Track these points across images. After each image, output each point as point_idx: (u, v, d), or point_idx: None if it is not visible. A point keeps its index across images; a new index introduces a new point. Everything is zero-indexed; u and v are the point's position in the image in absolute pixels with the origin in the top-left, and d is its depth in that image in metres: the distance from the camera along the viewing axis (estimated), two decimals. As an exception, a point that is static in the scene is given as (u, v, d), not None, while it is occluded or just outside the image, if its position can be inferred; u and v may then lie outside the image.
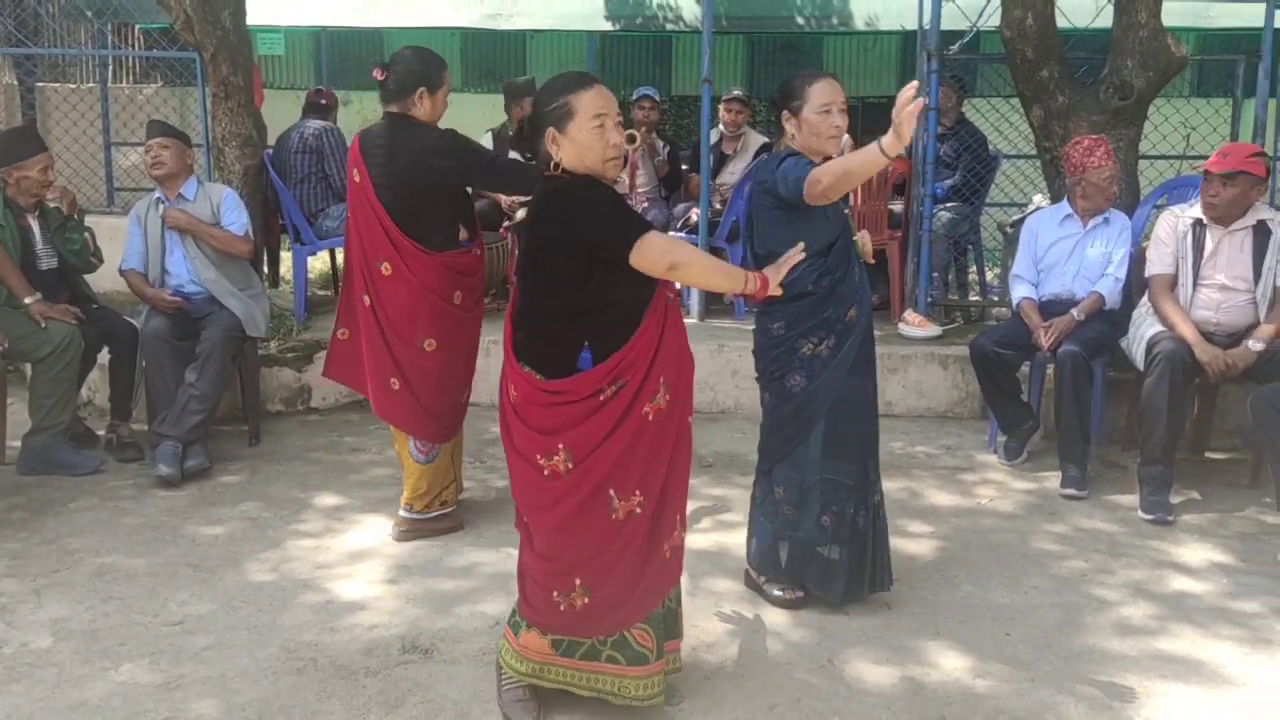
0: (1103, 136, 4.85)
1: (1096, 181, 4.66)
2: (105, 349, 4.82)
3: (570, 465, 2.53)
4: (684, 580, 3.46)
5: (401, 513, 3.86)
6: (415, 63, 3.71)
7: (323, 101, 6.58)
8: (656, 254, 2.48)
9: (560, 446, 2.52)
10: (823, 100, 3.14)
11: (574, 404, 2.52)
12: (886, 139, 2.78)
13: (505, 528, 3.73)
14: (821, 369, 3.20)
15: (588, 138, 2.52)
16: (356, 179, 3.70)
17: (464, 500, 4.12)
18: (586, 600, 2.59)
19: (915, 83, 2.76)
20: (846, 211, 3.29)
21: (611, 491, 2.54)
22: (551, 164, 2.58)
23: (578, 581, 2.58)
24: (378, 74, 3.69)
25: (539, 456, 2.55)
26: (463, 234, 3.81)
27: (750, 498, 3.47)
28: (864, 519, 3.28)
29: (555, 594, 2.61)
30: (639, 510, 2.56)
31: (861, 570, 3.30)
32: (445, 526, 3.88)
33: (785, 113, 3.20)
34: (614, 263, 2.48)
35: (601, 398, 2.51)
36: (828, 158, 3.16)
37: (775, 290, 2.76)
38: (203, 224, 4.73)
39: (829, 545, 3.26)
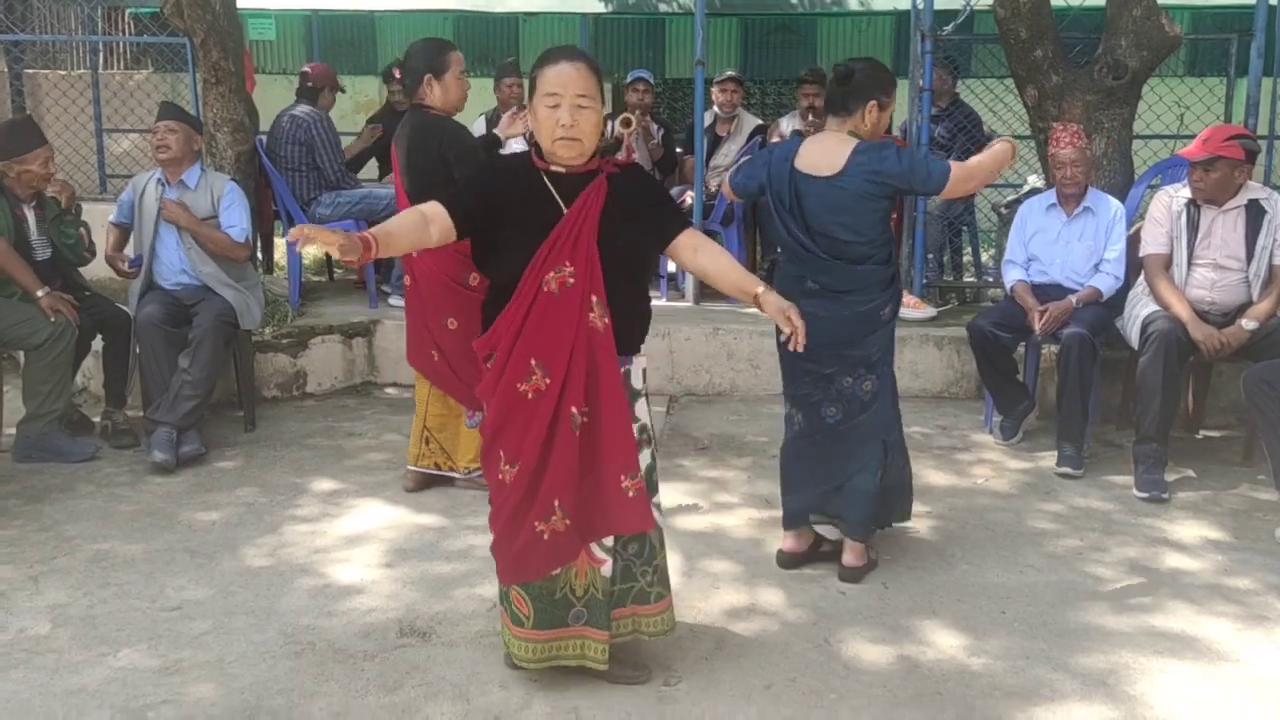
0: (1071, 123, 4.85)
1: (1065, 160, 4.67)
2: (99, 336, 4.81)
3: (485, 411, 2.73)
4: (680, 562, 3.52)
5: (460, 476, 4.16)
6: (419, 54, 4.02)
7: (309, 84, 6.46)
8: None
9: (480, 392, 2.74)
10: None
11: (480, 363, 2.73)
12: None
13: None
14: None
15: (542, 114, 2.60)
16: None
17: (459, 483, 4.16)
18: (499, 552, 2.75)
19: None
20: None
21: (500, 451, 2.67)
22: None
23: (494, 532, 2.77)
24: (396, 74, 3.85)
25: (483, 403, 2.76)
26: None
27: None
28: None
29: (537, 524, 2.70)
30: (509, 479, 2.66)
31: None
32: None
33: (873, 102, 3.33)
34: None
35: (487, 364, 2.69)
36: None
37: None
38: (201, 226, 4.70)
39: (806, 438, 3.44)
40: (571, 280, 2.59)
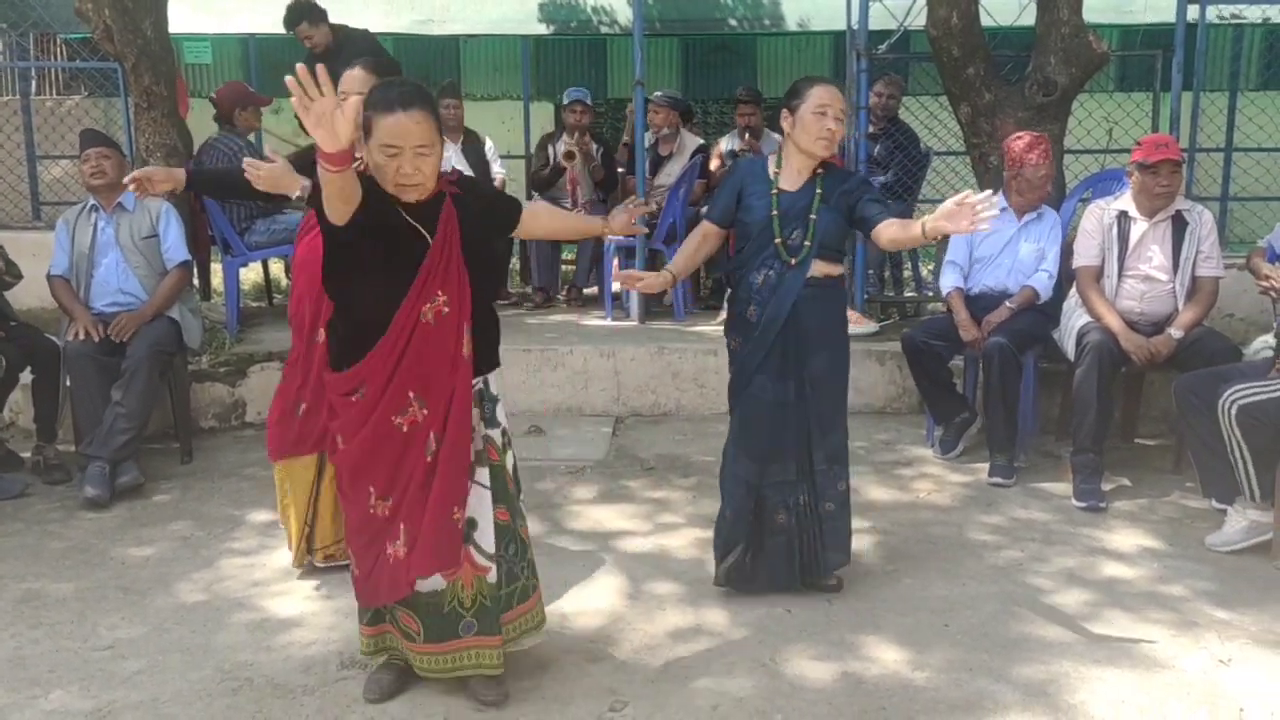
0: (1043, 135, 4.93)
1: (1031, 178, 4.75)
2: (28, 369, 4.69)
3: (340, 445, 2.72)
4: (625, 584, 3.51)
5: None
6: None
7: (218, 110, 6.20)
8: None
9: (337, 427, 2.73)
10: (820, 102, 3.23)
11: (337, 396, 2.70)
12: (930, 223, 2.97)
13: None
14: (735, 363, 3.42)
15: (378, 158, 2.55)
16: None
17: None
18: (356, 572, 2.78)
19: (988, 193, 2.89)
20: (774, 213, 3.31)
21: (371, 486, 2.67)
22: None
23: (351, 552, 2.80)
24: None
25: (337, 435, 2.74)
26: None
27: None
28: (785, 516, 3.36)
29: (388, 546, 2.72)
30: (386, 512, 2.68)
31: (786, 560, 3.40)
32: None
33: (785, 110, 3.32)
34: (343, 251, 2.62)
35: (354, 398, 2.66)
36: (819, 159, 3.31)
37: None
38: (148, 307, 4.64)
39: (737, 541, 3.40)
40: (445, 309, 2.63)
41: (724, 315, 3.71)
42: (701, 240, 3.48)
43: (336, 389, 2.69)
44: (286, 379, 3.58)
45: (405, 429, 2.64)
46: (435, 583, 2.71)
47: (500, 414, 2.84)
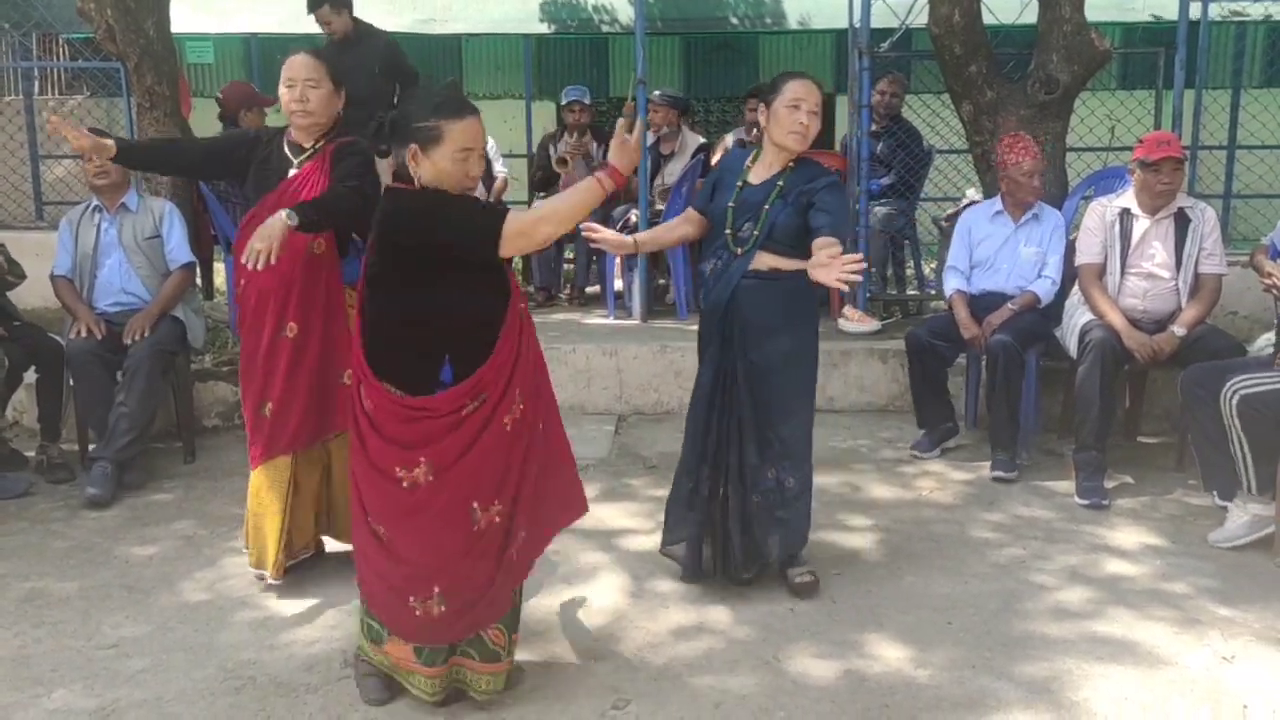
0: (1021, 133, 4.94)
1: (1016, 176, 4.76)
2: (32, 368, 4.69)
3: (431, 477, 2.55)
4: (628, 582, 3.51)
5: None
6: None
7: (222, 110, 6.23)
8: (525, 220, 2.55)
9: (421, 460, 2.54)
10: (793, 96, 3.25)
11: (436, 419, 2.53)
12: (809, 268, 2.95)
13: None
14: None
15: (450, 168, 2.56)
16: None
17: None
18: (443, 609, 2.61)
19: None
20: (731, 205, 3.34)
21: (475, 504, 2.57)
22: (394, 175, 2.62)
23: (436, 590, 2.60)
24: None
25: (398, 469, 2.56)
26: None
27: None
28: (709, 503, 3.41)
29: (411, 599, 2.62)
30: (498, 519, 2.61)
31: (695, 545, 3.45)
32: None
33: (761, 104, 3.34)
34: (481, 260, 2.55)
35: (464, 413, 2.54)
36: (793, 153, 3.30)
37: (625, 170, 2.78)
38: (153, 307, 4.63)
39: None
40: (523, 304, 2.75)
41: None
42: (680, 222, 3.58)
43: (444, 408, 2.53)
44: (243, 377, 3.48)
45: (509, 428, 2.59)
46: None
47: None
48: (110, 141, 3.45)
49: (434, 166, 2.56)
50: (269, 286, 3.34)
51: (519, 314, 2.65)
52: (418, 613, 2.62)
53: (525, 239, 2.56)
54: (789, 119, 3.23)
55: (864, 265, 2.88)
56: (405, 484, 2.55)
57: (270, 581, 3.45)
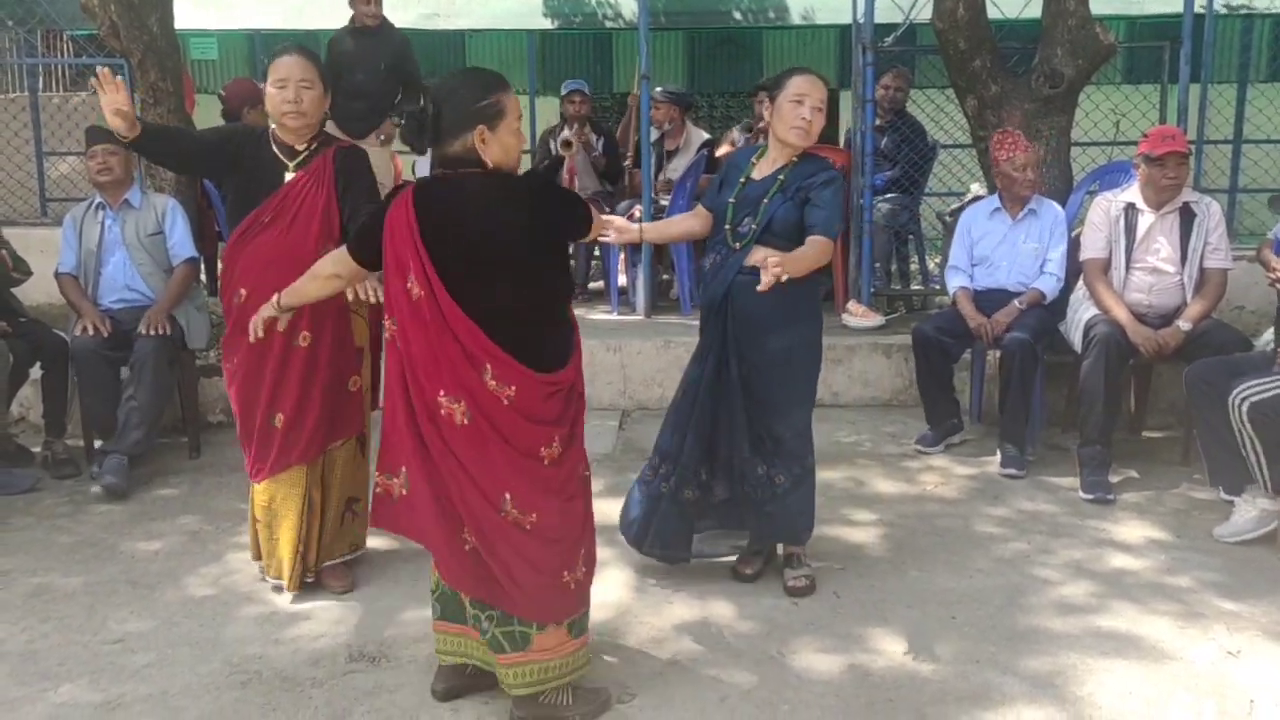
0: (1010, 129, 4.94)
1: (1009, 171, 4.75)
2: (37, 364, 4.70)
3: (559, 451, 2.62)
4: (632, 577, 3.53)
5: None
6: None
7: (225, 108, 6.19)
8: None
9: (555, 436, 2.60)
10: (797, 91, 3.26)
11: (562, 392, 2.62)
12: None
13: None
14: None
15: (512, 141, 2.59)
16: None
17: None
18: (584, 571, 2.71)
19: None
20: (731, 200, 3.35)
21: (582, 469, 2.72)
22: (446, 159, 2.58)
23: (582, 552, 2.69)
24: None
25: (541, 449, 2.60)
26: None
27: None
28: (691, 491, 3.42)
29: (565, 574, 2.65)
30: (589, 475, 2.76)
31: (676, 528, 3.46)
32: None
33: (767, 99, 3.38)
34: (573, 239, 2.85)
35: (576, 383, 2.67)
36: (797, 149, 3.31)
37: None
38: (164, 302, 4.63)
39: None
40: None
41: None
42: (688, 216, 3.60)
43: (569, 378, 2.62)
44: (244, 388, 3.34)
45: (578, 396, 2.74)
46: None
47: None
48: (138, 126, 3.34)
49: (500, 144, 2.55)
50: (259, 286, 3.19)
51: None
52: (571, 586, 2.66)
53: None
54: (792, 114, 3.24)
55: (782, 270, 2.92)
56: (547, 462, 2.60)
57: (286, 592, 3.41)
